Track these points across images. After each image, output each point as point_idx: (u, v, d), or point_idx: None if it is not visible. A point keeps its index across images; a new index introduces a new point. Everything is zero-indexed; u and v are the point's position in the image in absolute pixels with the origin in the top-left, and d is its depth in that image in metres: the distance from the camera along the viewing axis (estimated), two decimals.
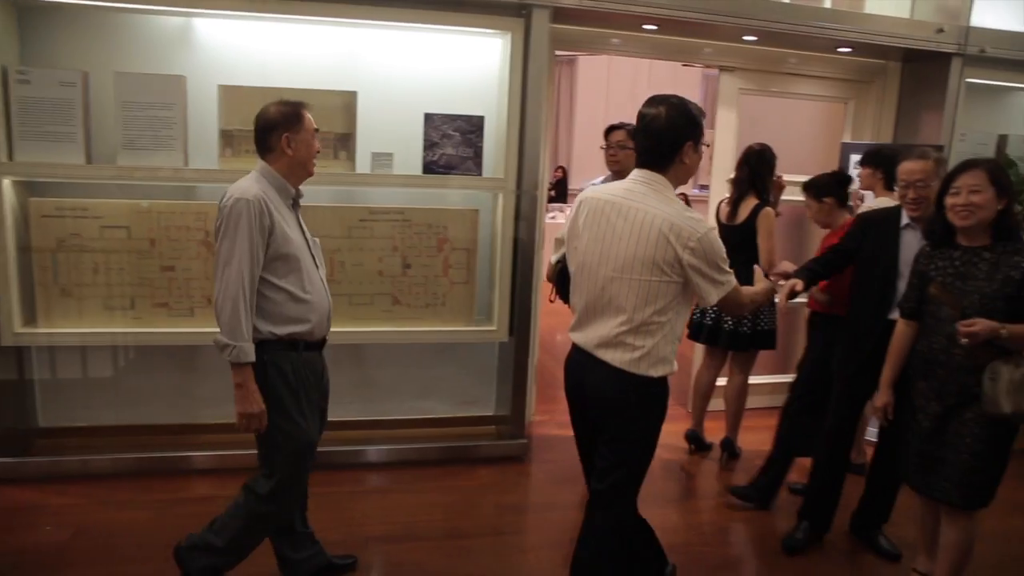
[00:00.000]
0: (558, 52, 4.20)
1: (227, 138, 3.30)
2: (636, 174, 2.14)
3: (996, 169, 2.38)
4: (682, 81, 11.21)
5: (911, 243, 2.85)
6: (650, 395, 2.14)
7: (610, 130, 3.56)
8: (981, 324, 2.30)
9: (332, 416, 3.70)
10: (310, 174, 2.42)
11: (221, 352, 2.22)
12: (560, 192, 11.04)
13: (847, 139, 4.71)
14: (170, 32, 3.42)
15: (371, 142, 3.46)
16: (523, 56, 3.49)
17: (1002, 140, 4.37)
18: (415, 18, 3.40)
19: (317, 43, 3.53)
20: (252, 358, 2.23)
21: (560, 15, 3.66)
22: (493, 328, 3.70)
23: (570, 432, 2.73)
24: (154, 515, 3.11)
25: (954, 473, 2.45)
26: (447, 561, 2.89)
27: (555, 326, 6.19)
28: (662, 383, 2.15)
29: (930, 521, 2.71)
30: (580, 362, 2.21)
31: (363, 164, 3.45)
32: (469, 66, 3.69)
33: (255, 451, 3.52)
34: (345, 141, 3.41)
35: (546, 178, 3.77)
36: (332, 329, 3.46)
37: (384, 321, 3.55)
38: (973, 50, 4.18)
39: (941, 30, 4.13)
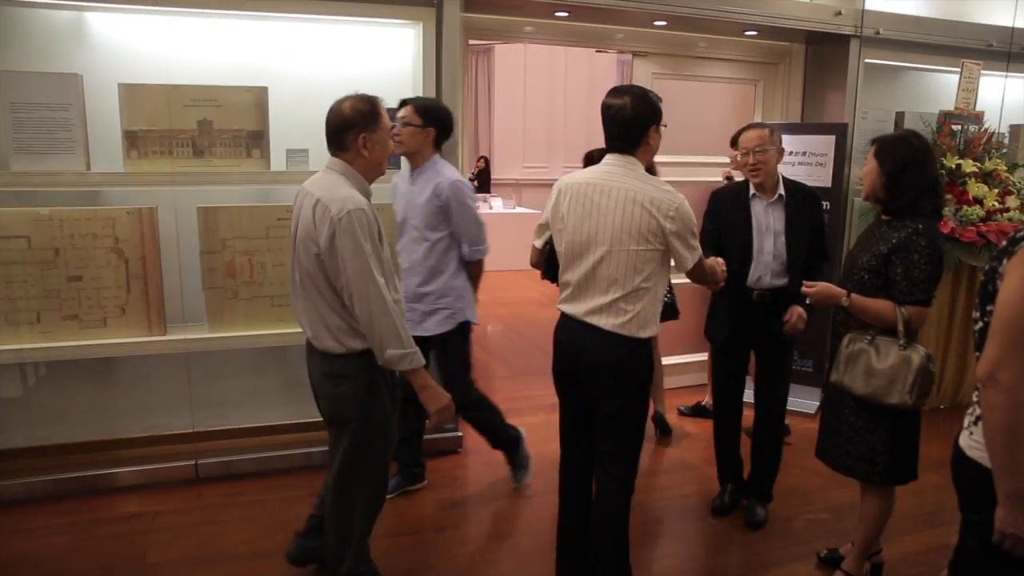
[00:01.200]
0: (474, 41, 4.19)
1: (132, 139, 3.16)
2: (609, 158, 2.32)
3: (882, 143, 2.46)
4: (598, 67, 11.37)
5: (759, 211, 3.07)
6: (640, 355, 2.32)
7: (399, 105, 3.09)
8: (820, 286, 2.43)
9: (262, 421, 3.64)
10: (383, 174, 2.40)
11: (398, 364, 2.22)
12: (483, 182, 11.03)
13: (758, 119, 4.86)
14: (62, 28, 3.23)
15: (285, 139, 3.36)
16: (436, 46, 3.46)
17: (899, 117, 4.59)
18: (323, 9, 3.33)
19: (224, 38, 3.41)
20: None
21: (472, 3, 3.64)
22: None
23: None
24: (74, 539, 2.96)
25: (839, 441, 2.56)
26: (387, 559, 2.85)
27: (485, 318, 6.20)
28: (648, 344, 2.34)
29: None
30: (572, 329, 2.36)
31: (278, 162, 3.36)
32: (383, 58, 3.63)
33: (183, 463, 3.43)
34: (257, 139, 3.30)
35: (467, 169, 3.74)
36: (255, 332, 3.40)
37: None
38: (869, 32, 4.39)
39: (839, 13, 4.31)
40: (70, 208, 3.14)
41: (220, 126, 3.25)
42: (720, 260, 2.63)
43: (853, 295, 2.40)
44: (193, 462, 3.46)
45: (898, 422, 2.45)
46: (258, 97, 3.28)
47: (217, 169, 3.26)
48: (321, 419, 2.36)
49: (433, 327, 3.12)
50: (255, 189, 3.46)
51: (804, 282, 2.52)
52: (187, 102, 3.19)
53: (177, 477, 3.43)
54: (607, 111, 2.31)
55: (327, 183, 2.22)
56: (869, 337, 2.39)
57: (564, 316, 2.41)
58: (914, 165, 2.40)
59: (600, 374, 2.34)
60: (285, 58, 3.49)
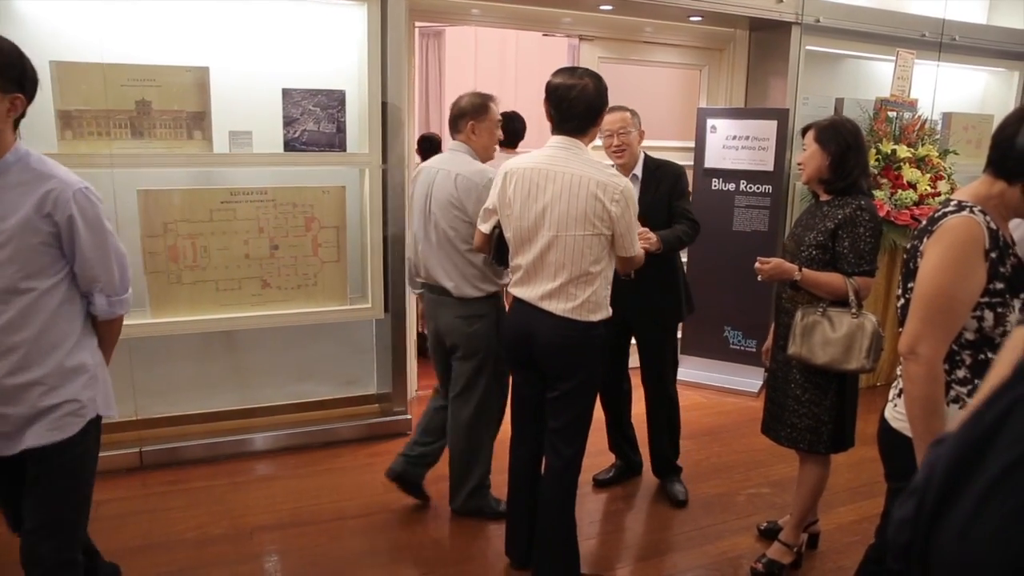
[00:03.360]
0: (424, 24, 4.15)
1: (66, 119, 3.06)
2: (556, 140, 2.32)
3: (821, 128, 2.55)
4: (549, 51, 11.35)
5: None
6: (590, 338, 2.36)
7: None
8: (774, 262, 2.51)
9: (207, 407, 3.60)
10: (491, 158, 2.81)
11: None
12: None
13: (703, 104, 4.94)
14: None
15: (227, 120, 3.30)
16: (381, 27, 3.43)
17: (839, 103, 4.73)
18: None
19: (162, 15, 3.31)
20: None
21: None
22: (368, 306, 3.65)
23: None
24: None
25: (784, 415, 2.65)
26: (335, 543, 2.87)
27: None
28: (599, 327, 2.38)
29: None
30: (525, 313, 2.39)
31: (220, 144, 3.30)
32: (328, 39, 3.57)
33: (127, 450, 3.37)
34: (199, 120, 3.23)
35: (415, 152, 3.74)
36: (199, 317, 3.35)
37: (254, 305, 3.43)
38: (809, 20, 4.49)
39: (780, 0, 4.39)
40: None
41: (160, 107, 3.17)
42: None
43: (804, 270, 2.49)
44: (137, 449, 3.40)
45: (841, 393, 2.57)
46: (199, 77, 3.21)
47: (157, 151, 3.19)
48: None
49: (41, 437, 1.81)
50: (197, 172, 3.39)
51: (759, 258, 2.57)
52: (124, 81, 3.10)
53: (121, 465, 3.37)
54: (567, 92, 2.25)
55: (460, 161, 2.73)
56: (821, 309, 2.48)
57: (517, 300, 2.43)
58: (854, 147, 2.51)
59: (552, 357, 2.38)
60: (228, 38, 3.41)
